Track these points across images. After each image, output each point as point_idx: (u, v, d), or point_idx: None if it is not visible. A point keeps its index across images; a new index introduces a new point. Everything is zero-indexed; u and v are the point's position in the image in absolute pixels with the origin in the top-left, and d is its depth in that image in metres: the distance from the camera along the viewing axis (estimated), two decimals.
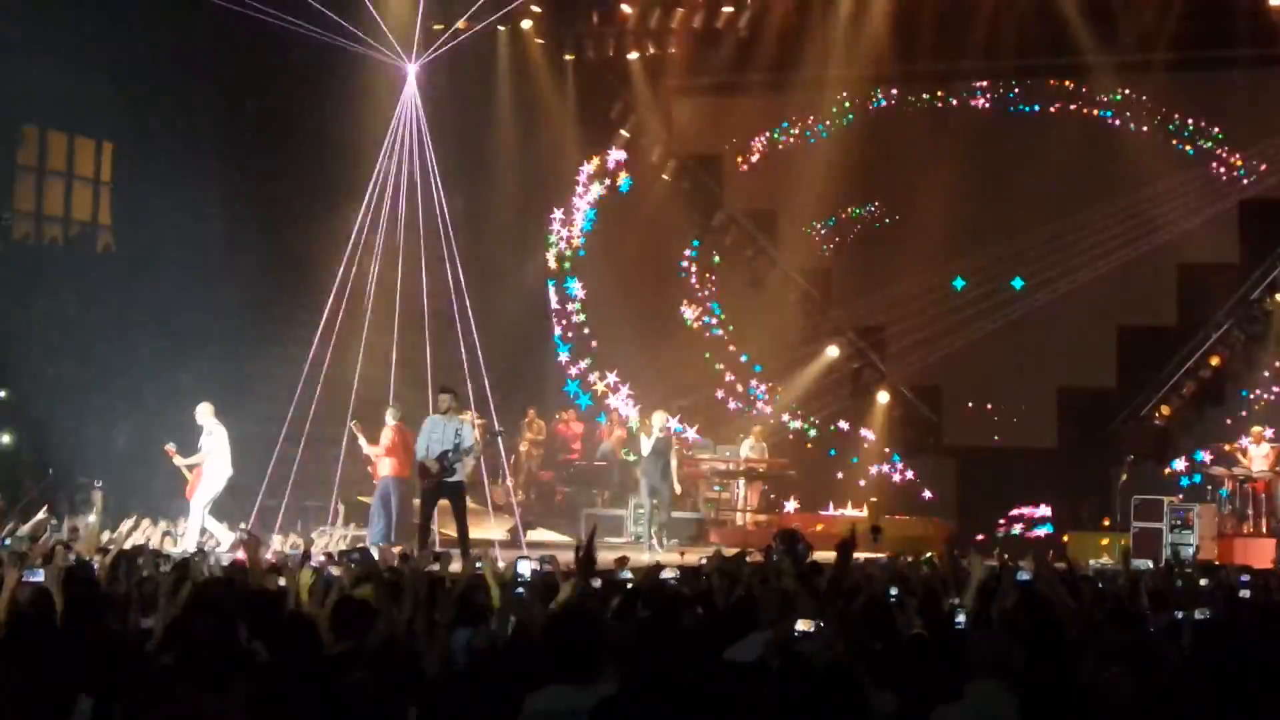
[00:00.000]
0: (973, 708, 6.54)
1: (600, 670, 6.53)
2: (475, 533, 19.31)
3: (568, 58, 27.83)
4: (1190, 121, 25.89)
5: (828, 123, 27.70)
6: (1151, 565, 16.78)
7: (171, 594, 8.77)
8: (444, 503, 18.63)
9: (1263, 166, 25.48)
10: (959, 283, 26.79)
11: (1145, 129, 26.00)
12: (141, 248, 25.54)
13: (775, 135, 28.15)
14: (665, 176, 28.72)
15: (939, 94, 27.23)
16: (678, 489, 22.32)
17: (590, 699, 6.05)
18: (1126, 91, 26.15)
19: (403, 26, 21.00)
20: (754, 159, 28.42)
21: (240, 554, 15.51)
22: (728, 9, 26.53)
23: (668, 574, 10.97)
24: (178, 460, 18.96)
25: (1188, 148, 25.86)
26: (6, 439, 23.50)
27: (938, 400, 27.60)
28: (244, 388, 22.46)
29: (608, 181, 28.94)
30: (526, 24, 27.14)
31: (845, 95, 27.41)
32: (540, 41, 27.55)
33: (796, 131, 28.02)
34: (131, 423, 22.25)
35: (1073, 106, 26.58)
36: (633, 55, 27.73)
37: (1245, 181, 25.65)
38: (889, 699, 6.74)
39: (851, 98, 27.46)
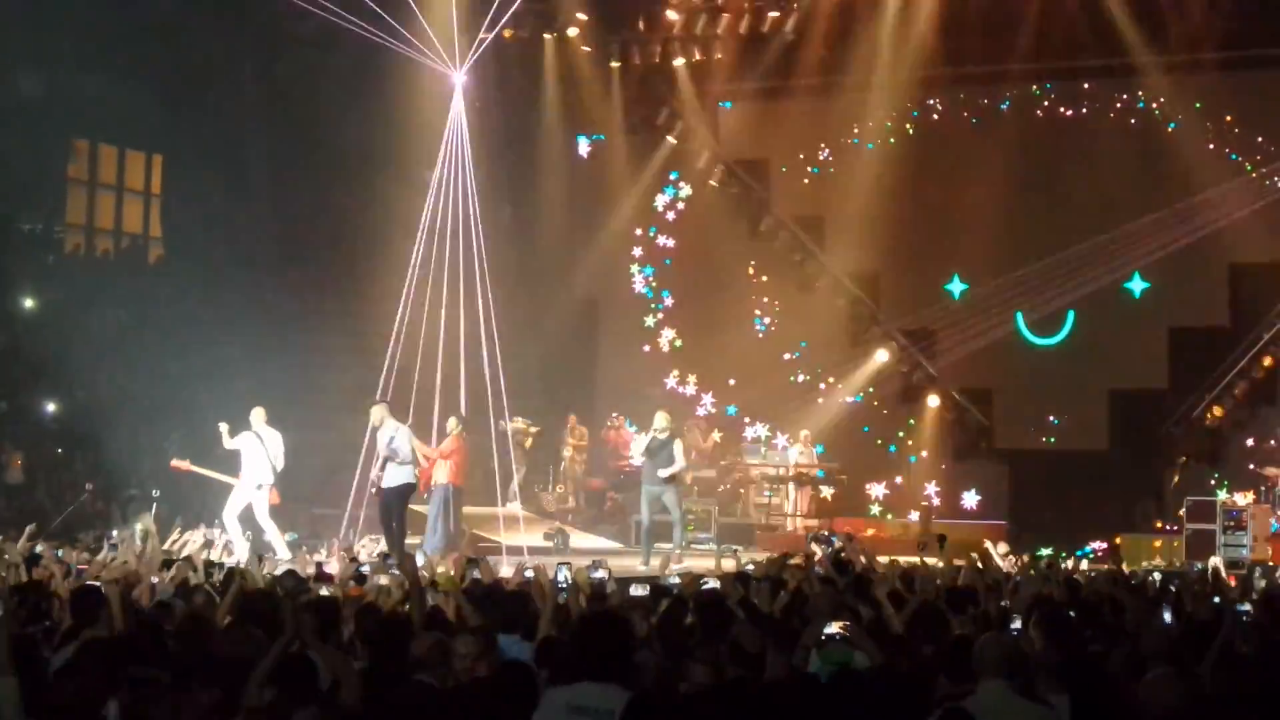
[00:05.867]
0: (978, 703, 6.63)
1: (629, 670, 6.65)
2: (525, 539, 19.36)
3: (614, 65, 27.82)
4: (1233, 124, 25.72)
5: (876, 140, 27.54)
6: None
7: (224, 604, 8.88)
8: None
9: None
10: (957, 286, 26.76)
11: (1197, 133, 25.73)
12: (192, 259, 25.66)
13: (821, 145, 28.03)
14: (712, 182, 28.64)
15: (984, 102, 27.10)
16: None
17: (620, 698, 6.22)
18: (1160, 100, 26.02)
19: (449, 35, 21.01)
20: (800, 164, 28.29)
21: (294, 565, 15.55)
22: (773, 14, 26.50)
23: (711, 583, 10.92)
24: (200, 471, 18.83)
25: (1231, 151, 25.67)
26: (60, 449, 23.69)
27: (989, 403, 27.44)
28: (299, 397, 22.48)
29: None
30: (573, 32, 27.17)
31: (891, 105, 27.19)
32: (586, 49, 27.56)
33: (844, 141, 27.89)
34: (183, 433, 22.29)
35: (1119, 105, 26.42)
36: (679, 61, 27.72)
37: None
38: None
39: (898, 106, 27.26)
